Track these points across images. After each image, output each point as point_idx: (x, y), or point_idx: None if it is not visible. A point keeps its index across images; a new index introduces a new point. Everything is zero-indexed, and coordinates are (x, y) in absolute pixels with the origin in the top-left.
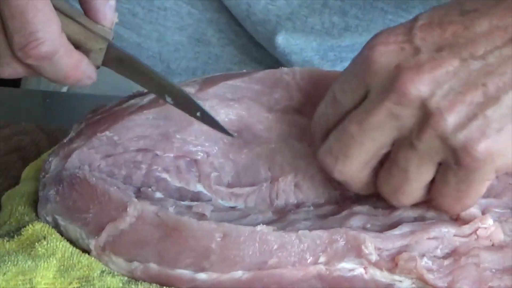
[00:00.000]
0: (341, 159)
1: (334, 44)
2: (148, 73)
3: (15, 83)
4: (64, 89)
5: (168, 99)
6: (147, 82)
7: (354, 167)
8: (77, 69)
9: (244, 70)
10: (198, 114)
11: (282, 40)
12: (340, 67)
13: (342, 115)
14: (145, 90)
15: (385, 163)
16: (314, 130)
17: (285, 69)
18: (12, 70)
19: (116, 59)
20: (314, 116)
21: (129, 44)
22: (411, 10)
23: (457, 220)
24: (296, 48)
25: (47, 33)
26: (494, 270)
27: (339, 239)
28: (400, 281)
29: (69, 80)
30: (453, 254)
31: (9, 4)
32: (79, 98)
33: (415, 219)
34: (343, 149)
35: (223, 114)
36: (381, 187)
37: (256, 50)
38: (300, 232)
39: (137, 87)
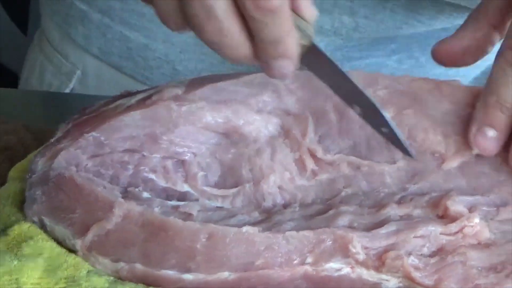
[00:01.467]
0: None
1: (341, 44)
2: (343, 79)
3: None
4: (52, 89)
5: (356, 108)
6: (339, 87)
7: None
8: (290, 35)
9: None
10: (383, 129)
11: None
12: (347, 67)
13: None
14: (133, 91)
15: None
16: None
17: None
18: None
19: (315, 59)
20: None
21: (136, 45)
22: (421, 12)
23: (444, 218)
24: None
25: None
26: (480, 268)
27: (326, 239)
28: (387, 280)
29: (280, 47)
30: (440, 252)
31: None
32: (66, 98)
33: (402, 218)
34: None
35: (210, 117)
36: None
37: None
38: (287, 233)
39: (123, 88)
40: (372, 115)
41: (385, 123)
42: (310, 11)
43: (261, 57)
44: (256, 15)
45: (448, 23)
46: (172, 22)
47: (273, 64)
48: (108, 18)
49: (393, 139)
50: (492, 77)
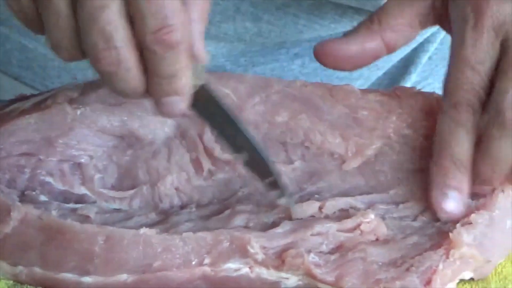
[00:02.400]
0: None
1: (245, 49)
2: (232, 124)
3: None
4: None
5: (244, 155)
6: (227, 132)
7: None
8: (185, 72)
9: None
10: (267, 180)
11: None
12: (252, 72)
13: (489, 78)
14: (28, 94)
15: None
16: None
17: None
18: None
19: (206, 101)
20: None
21: (35, 55)
22: (323, 15)
23: (338, 216)
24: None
25: (180, 21)
26: (380, 263)
27: (223, 240)
28: (287, 278)
29: (174, 83)
30: (339, 249)
31: None
32: None
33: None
34: None
35: (106, 120)
36: None
37: None
38: (184, 234)
39: (19, 91)
40: (257, 164)
41: (270, 172)
42: (203, 54)
43: (153, 92)
44: (155, 48)
45: (350, 26)
46: (66, 53)
47: (164, 100)
48: (6, 28)
49: (276, 186)
50: (441, 138)
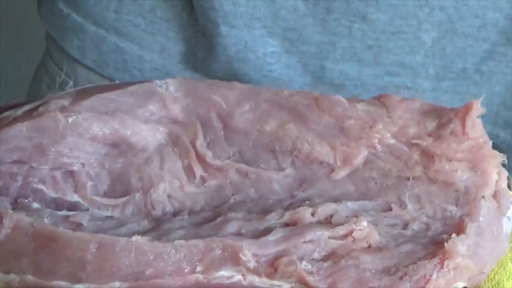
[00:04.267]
0: None
1: None
2: None
3: None
4: None
5: None
6: None
7: None
8: None
9: (117, 81)
10: None
11: None
12: None
13: None
14: (19, 102)
15: None
16: None
17: (158, 81)
18: None
19: None
20: None
21: (131, 57)
22: None
23: (330, 223)
24: None
25: None
26: (374, 271)
27: (215, 247)
28: (279, 286)
29: None
30: (332, 256)
31: None
32: None
33: (288, 224)
34: None
35: (97, 128)
36: None
37: None
38: (176, 242)
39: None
40: None
41: None
42: None
43: None
44: None
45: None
46: None
47: None
48: (103, 30)
49: None
50: None
